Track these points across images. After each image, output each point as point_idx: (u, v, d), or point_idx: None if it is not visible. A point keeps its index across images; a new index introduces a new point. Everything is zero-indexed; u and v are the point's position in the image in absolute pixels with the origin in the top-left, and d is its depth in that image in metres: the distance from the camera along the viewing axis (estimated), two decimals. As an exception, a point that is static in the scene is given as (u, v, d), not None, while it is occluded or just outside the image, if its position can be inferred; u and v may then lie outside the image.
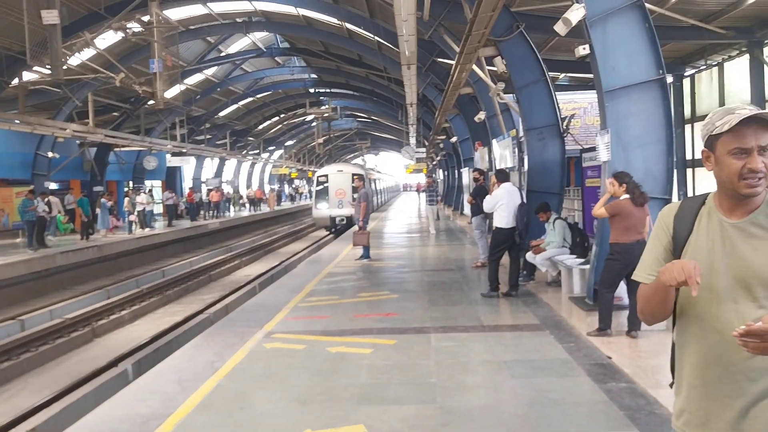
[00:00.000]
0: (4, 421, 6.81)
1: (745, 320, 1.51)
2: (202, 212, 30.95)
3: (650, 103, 6.62)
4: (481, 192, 10.59)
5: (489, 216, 9.19)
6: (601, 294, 5.99)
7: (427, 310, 7.45)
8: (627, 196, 5.77)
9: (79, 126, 19.95)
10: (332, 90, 35.61)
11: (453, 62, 12.18)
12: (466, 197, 15.07)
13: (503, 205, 7.94)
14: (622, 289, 6.29)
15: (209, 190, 33.63)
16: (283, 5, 19.59)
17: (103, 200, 20.82)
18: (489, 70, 12.30)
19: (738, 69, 13.31)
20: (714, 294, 1.61)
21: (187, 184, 36.59)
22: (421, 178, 39.66)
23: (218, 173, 41.22)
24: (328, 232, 26.66)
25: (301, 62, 30.30)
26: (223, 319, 7.84)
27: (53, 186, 23.20)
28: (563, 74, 17.56)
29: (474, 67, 11.68)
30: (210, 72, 27.56)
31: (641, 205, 5.73)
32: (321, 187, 26.15)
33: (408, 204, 42.41)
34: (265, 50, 26.71)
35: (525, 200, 8.47)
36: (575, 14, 6.71)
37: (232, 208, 37.51)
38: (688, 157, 15.51)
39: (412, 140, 31.86)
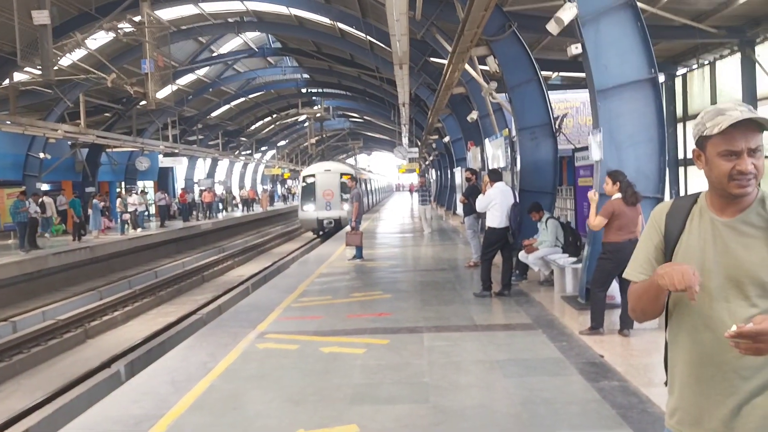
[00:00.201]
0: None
1: (737, 319, 1.52)
2: (194, 213, 30.83)
3: (642, 102, 6.65)
4: (473, 192, 10.61)
5: (481, 216, 9.22)
6: (593, 293, 6.01)
7: (419, 309, 7.46)
8: (619, 195, 5.79)
9: (70, 127, 19.83)
10: (324, 90, 35.57)
11: (445, 62, 12.19)
12: (459, 197, 15.10)
13: (496, 204, 7.96)
14: (614, 288, 6.32)
15: (201, 191, 33.51)
16: (274, 5, 19.53)
17: (95, 201, 20.71)
18: (481, 69, 12.32)
19: (730, 68, 13.39)
20: (706, 293, 1.61)
21: (179, 184, 36.45)
22: (414, 178, 39.63)
23: (210, 174, 41.08)
24: (315, 235, 25.49)
25: (293, 62, 30.24)
26: (216, 319, 7.81)
27: (45, 187, 23.04)
28: (556, 73, 17.62)
29: (466, 66, 11.69)
30: (202, 72, 27.47)
31: (633, 205, 5.75)
32: (307, 187, 24.73)
33: (401, 204, 42.42)
34: (257, 50, 26.64)
35: (518, 200, 8.49)
36: (567, 13, 6.73)
37: (224, 208, 37.39)
38: (680, 155, 15.59)
39: (405, 140, 31.86)
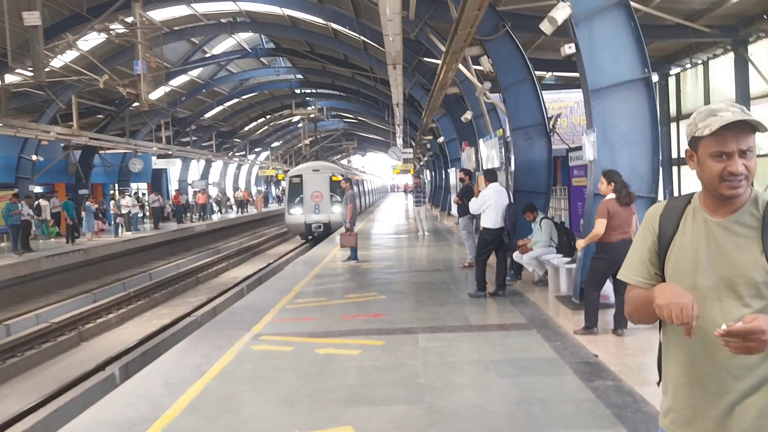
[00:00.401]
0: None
1: (729, 319, 1.52)
2: (188, 214, 30.72)
3: (636, 102, 6.67)
4: (467, 192, 10.61)
5: (476, 216, 9.21)
6: (587, 293, 6.02)
7: (414, 310, 7.45)
8: (613, 195, 5.80)
9: (63, 129, 19.72)
10: (318, 90, 35.53)
11: (439, 62, 12.20)
12: (453, 198, 15.10)
13: (491, 205, 7.96)
14: (608, 287, 6.32)
15: (195, 192, 33.41)
16: (267, 5, 19.50)
17: (88, 203, 20.61)
18: (475, 69, 12.33)
19: (723, 67, 13.45)
20: (699, 293, 1.61)
21: (173, 186, 36.32)
22: (409, 179, 39.64)
23: (204, 175, 40.97)
24: (303, 240, 23.97)
25: (287, 63, 30.20)
26: (211, 321, 7.79)
27: (38, 189, 22.91)
28: (550, 73, 17.66)
29: (460, 66, 11.70)
30: (195, 73, 27.38)
31: (627, 205, 5.76)
32: (294, 188, 23.06)
33: (395, 205, 42.41)
34: (250, 51, 26.59)
35: (512, 200, 8.49)
36: (561, 13, 6.75)
37: (219, 210, 37.29)
38: (674, 155, 15.66)
39: (399, 141, 31.84)
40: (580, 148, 7.95)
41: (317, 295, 8.81)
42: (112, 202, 23.27)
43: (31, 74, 13.02)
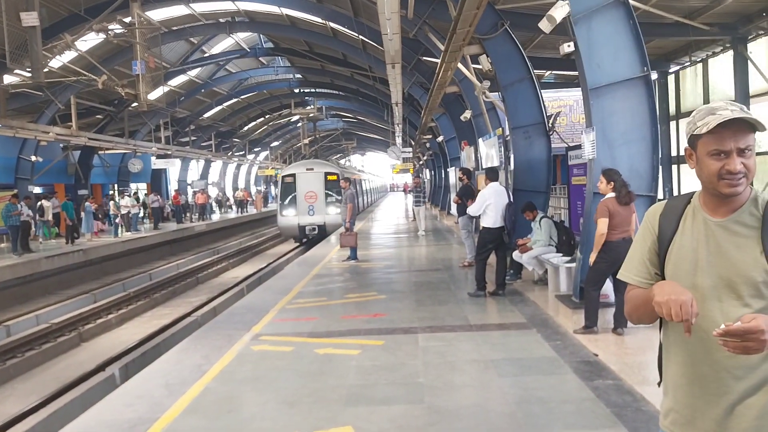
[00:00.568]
0: (-10, 428, 6.72)
1: (729, 319, 1.51)
2: (188, 214, 30.71)
3: (635, 101, 6.66)
4: (467, 192, 10.60)
5: (475, 216, 9.19)
6: (587, 292, 6.02)
7: (414, 310, 7.45)
8: (613, 194, 5.79)
9: (62, 129, 19.70)
10: (317, 90, 35.51)
11: (438, 61, 12.19)
12: (453, 197, 15.07)
13: (491, 204, 7.95)
14: (608, 286, 6.32)
15: (195, 192, 33.40)
16: (266, 5, 19.49)
17: (87, 204, 20.60)
18: (474, 68, 12.33)
19: (722, 65, 13.45)
20: (699, 293, 1.61)
21: (172, 186, 36.31)
22: (408, 178, 39.60)
23: (204, 175, 40.95)
24: (297, 244, 22.72)
25: (286, 62, 30.18)
26: (211, 321, 7.78)
27: (37, 190, 22.90)
28: (549, 72, 17.66)
29: (459, 65, 11.69)
30: (194, 73, 27.36)
31: (626, 204, 5.75)
32: (287, 189, 21.77)
33: (395, 205, 42.40)
34: (248, 50, 26.57)
35: (512, 199, 8.49)
36: (560, 12, 6.74)
37: (218, 209, 37.29)
38: (674, 153, 15.65)
39: (398, 140, 31.84)
40: (579, 147, 7.95)
41: (317, 295, 8.80)
42: (111, 203, 23.25)
43: (29, 75, 12.99)
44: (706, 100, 13.97)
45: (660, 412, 1.79)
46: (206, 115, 34.30)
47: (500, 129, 12.32)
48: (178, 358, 5.81)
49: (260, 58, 28.80)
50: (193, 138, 34.34)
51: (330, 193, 21.75)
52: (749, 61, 12.29)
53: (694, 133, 1.63)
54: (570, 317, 6.59)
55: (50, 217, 20.13)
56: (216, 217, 33.77)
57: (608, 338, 5.77)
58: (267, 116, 41.78)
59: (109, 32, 14.03)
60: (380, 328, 6.55)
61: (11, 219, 16.27)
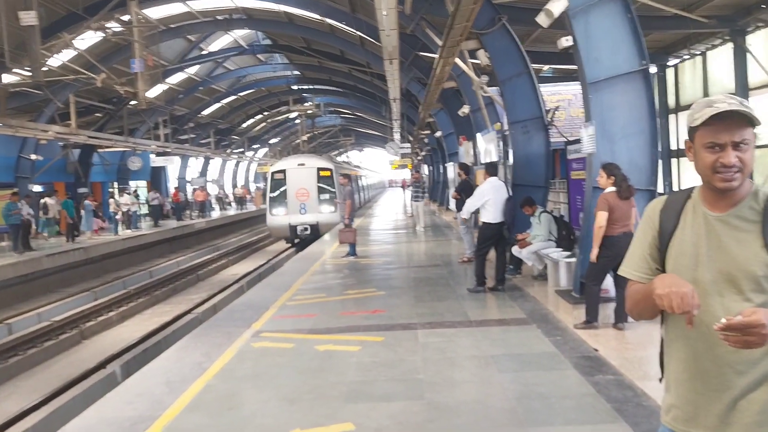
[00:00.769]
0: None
1: (730, 314, 1.51)
2: (188, 212, 30.71)
3: (634, 94, 6.66)
4: (465, 187, 10.60)
5: (475, 211, 9.18)
6: (587, 287, 6.01)
7: (413, 306, 7.45)
8: (613, 188, 5.78)
9: (61, 128, 19.67)
10: (315, 87, 35.46)
11: (436, 56, 12.16)
12: (452, 192, 15.05)
13: (489, 200, 7.94)
14: (608, 281, 6.32)
15: (194, 190, 33.39)
16: (263, 1, 19.44)
17: (86, 202, 20.61)
18: (472, 63, 12.30)
19: (721, 58, 13.42)
20: (700, 288, 1.60)
21: (172, 183, 36.31)
22: (406, 174, 39.47)
23: (203, 172, 40.94)
24: (288, 245, 21.33)
25: (284, 59, 30.11)
26: (211, 319, 7.79)
27: (37, 188, 22.90)
28: (547, 66, 17.62)
29: (457, 60, 11.66)
30: (192, 71, 27.31)
31: (626, 199, 5.74)
32: (277, 186, 20.41)
33: (393, 200, 42.37)
34: (246, 48, 26.50)
35: (511, 194, 8.48)
36: (557, 6, 6.72)
37: (218, 207, 37.29)
38: (673, 147, 15.63)
39: (396, 136, 31.78)
40: (578, 141, 7.94)
41: (316, 291, 8.81)
42: (111, 200, 23.25)
43: (28, 74, 12.99)
44: (706, 94, 13.94)
45: (661, 407, 1.79)
46: (205, 112, 34.26)
47: (498, 124, 12.31)
48: (178, 356, 5.82)
49: (258, 56, 28.73)
50: (192, 135, 34.31)
51: (323, 190, 20.52)
52: (748, 54, 12.26)
53: (691, 125, 1.64)
54: (570, 312, 6.59)
55: (56, 214, 20.10)
56: (215, 214, 33.77)
57: (609, 333, 5.77)
58: (265, 113, 41.72)
59: (108, 30, 14.02)
60: (380, 325, 6.55)
61: (11, 218, 16.27)
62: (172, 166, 33.56)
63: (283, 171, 20.61)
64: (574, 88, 13.28)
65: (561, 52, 7.87)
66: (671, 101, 15.80)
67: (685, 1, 11.70)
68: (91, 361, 9.11)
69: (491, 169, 8.42)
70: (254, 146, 48.21)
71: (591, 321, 5.91)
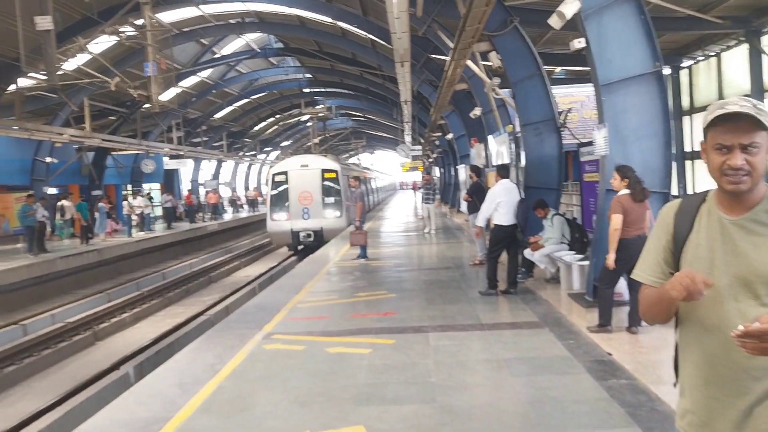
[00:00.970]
0: (8, 425, 6.83)
1: (746, 319, 1.49)
2: (200, 214, 30.93)
3: (647, 96, 6.60)
4: (477, 189, 10.56)
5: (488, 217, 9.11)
6: (600, 290, 5.96)
7: (425, 309, 7.43)
8: (627, 191, 5.73)
9: (76, 131, 19.93)
10: (327, 89, 35.60)
11: (447, 58, 12.15)
12: (463, 195, 14.98)
13: (501, 202, 7.90)
14: (622, 284, 6.27)
15: (207, 192, 33.63)
16: (275, 5, 19.55)
17: (100, 204, 20.83)
18: (484, 65, 12.28)
19: (736, 59, 13.27)
20: (715, 292, 1.58)
21: (185, 186, 36.60)
22: (417, 176, 39.41)
23: (216, 175, 41.23)
24: (291, 252, 19.99)
25: (296, 62, 30.27)
26: (224, 320, 7.82)
27: (52, 191, 23.18)
28: (560, 68, 17.52)
29: (469, 62, 11.65)
30: (205, 74, 27.52)
31: (641, 201, 5.68)
32: (278, 189, 19.09)
33: (404, 203, 42.34)
34: (259, 51, 26.67)
35: (523, 196, 8.43)
36: (570, 7, 6.69)
37: (231, 209, 37.54)
38: (687, 149, 15.47)
39: (408, 138, 31.80)
40: (591, 143, 7.88)
41: (328, 293, 8.82)
42: (125, 203, 23.48)
43: (44, 78, 13.17)
44: (720, 95, 13.80)
45: (676, 412, 1.77)
46: (217, 115, 34.51)
47: (510, 126, 12.27)
48: (191, 357, 5.85)
49: (270, 59, 28.91)
50: (204, 138, 34.56)
51: (328, 192, 19.28)
52: (764, 55, 12.11)
53: (703, 126, 1.64)
54: (583, 316, 6.54)
55: (73, 216, 20.31)
56: (228, 216, 33.98)
57: (622, 337, 5.71)
58: (277, 116, 41.93)
59: (121, 35, 14.16)
60: (391, 327, 6.54)
61: (27, 219, 16.49)
62: (185, 168, 33.88)
63: (284, 173, 19.34)
64: (586, 90, 13.19)
65: (573, 54, 7.82)
66: (685, 103, 15.65)
67: (699, 2, 11.59)
68: (105, 363, 9.19)
69: (503, 171, 8.38)
70: (266, 149, 48.45)
71: (604, 324, 5.86)
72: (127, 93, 15.33)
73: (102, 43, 17.72)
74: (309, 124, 36.05)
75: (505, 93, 12.47)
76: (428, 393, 4.51)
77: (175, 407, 4.46)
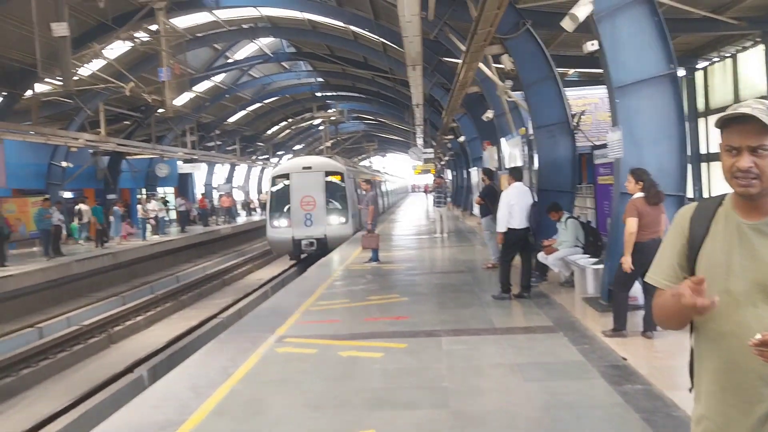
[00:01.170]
0: (24, 427, 6.90)
1: (764, 324, 1.47)
2: (214, 217, 31.16)
3: (661, 99, 6.53)
4: (489, 192, 10.52)
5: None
6: (615, 294, 5.91)
7: (437, 312, 7.40)
8: (641, 194, 5.67)
9: (91, 135, 20.19)
10: (339, 93, 35.72)
11: (459, 61, 12.13)
12: (475, 198, 14.93)
13: (514, 205, 7.86)
14: (637, 288, 6.20)
15: (220, 196, 33.88)
16: (288, 10, 19.66)
17: (115, 208, 21.07)
18: (496, 68, 12.24)
19: (753, 60, 13.11)
20: (732, 298, 1.56)
21: (198, 190, 36.90)
22: (430, 179, 39.38)
23: (229, 179, 41.52)
24: (293, 261, 18.63)
25: (308, 66, 30.41)
26: (236, 324, 7.86)
27: (68, 195, 23.48)
28: (573, 70, 17.42)
29: (481, 65, 11.61)
30: (218, 79, 27.75)
31: (656, 204, 5.62)
32: (279, 193, 17.73)
33: (416, 205, 42.29)
34: (271, 55, 26.82)
35: (536, 199, 8.38)
36: (583, 10, 6.66)
37: (245, 212, 37.79)
38: (703, 151, 15.29)
39: (419, 141, 31.78)
40: (605, 146, 7.82)
41: (340, 296, 8.82)
42: (139, 207, 23.73)
43: (60, 83, 13.35)
44: (736, 96, 13.63)
45: (692, 418, 1.75)
46: (231, 119, 34.76)
47: (523, 129, 12.21)
48: (204, 360, 5.88)
49: (283, 63, 29.08)
50: (218, 142, 34.84)
51: (333, 197, 17.92)
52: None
53: (715, 127, 1.64)
54: (597, 320, 6.48)
55: (90, 219, 20.54)
56: (241, 219, 34.19)
57: (637, 342, 5.65)
58: (290, 120, 42.13)
59: (136, 40, 14.34)
60: (403, 331, 6.52)
61: (43, 223, 16.70)
62: (198, 172, 34.15)
63: (285, 175, 17.89)
64: (600, 92, 13.09)
65: (586, 56, 7.78)
66: (701, 105, 15.47)
67: (714, 3, 11.46)
68: (119, 365, 9.26)
69: (516, 174, 8.33)
70: (279, 152, 48.68)
71: (619, 329, 5.80)
72: (142, 98, 15.52)
73: (117, 49, 17.95)
74: (321, 127, 36.21)
75: (517, 95, 12.42)
76: (441, 398, 4.49)
77: (189, 410, 4.48)
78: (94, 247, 19.38)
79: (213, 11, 19.55)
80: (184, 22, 19.27)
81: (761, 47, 12.50)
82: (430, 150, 32.64)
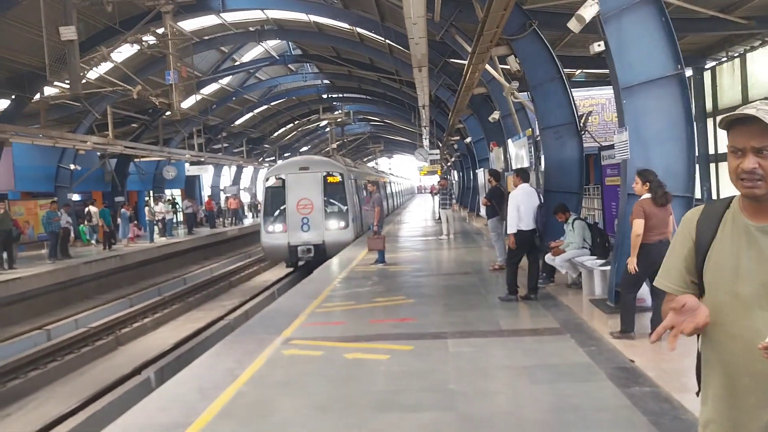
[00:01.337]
0: (32, 429, 6.95)
1: None
2: (221, 219, 31.26)
3: (669, 99, 6.50)
4: (496, 194, 10.49)
5: (506, 218, 9.07)
6: (623, 296, 5.87)
7: (444, 314, 7.38)
8: (648, 195, 5.64)
9: (99, 138, 20.31)
10: (345, 95, 35.78)
11: (465, 62, 12.11)
12: (482, 199, 14.89)
13: (522, 207, 7.84)
14: (644, 290, 6.16)
15: (227, 198, 34.00)
16: (294, 12, 19.71)
17: (123, 210, 21.18)
18: (502, 69, 12.21)
19: (761, 60, 13.02)
20: (740, 301, 1.55)
21: (206, 192, 37.05)
22: (436, 180, 39.35)
23: (236, 181, 41.65)
24: (290, 269, 17.70)
25: (314, 68, 30.47)
26: (243, 326, 7.88)
27: (76, 197, 23.63)
28: (579, 71, 17.37)
29: (487, 66, 11.59)
30: (225, 81, 27.86)
31: (663, 206, 5.58)
32: (274, 196, 16.70)
33: (422, 207, 42.26)
34: (278, 58, 26.90)
35: (543, 200, 8.35)
36: (589, 11, 6.64)
37: (252, 214, 37.89)
38: (711, 152, 15.19)
39: (426, 142, 31.77)
40: (612, 147, 7.78)
41: (346, 298, 8.82)
42: (146, 209, 23.85)
43: (68, 87, 13.43)
44: (745, 96, 13.54)
45: (699, 421, 1.74)
46: (237, 122, 34.89)
47: (530, 129, 12.17)
48: (211, 362, 5.89)
49: (289, 65, 29.14)
50: (225, 145, 34.95)
51: (331, 200, 16.96)
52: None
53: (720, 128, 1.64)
54: (605, 322, 6.44)
55: (98, 221, 20.65)
56: (248, 221, 34.28)
57: (645, 344, 5.60)
58: (296, 122, 42.24)
59: (143, 43, 14.41)
60: (409, 333, 6.51)
61: (51, 225, 16.82)
62: (205, 174, 34.29)
63: (281, 178, 16.80)
64: (607, 92, 13.06)
65: (593, 56, 7.74)
66: (709, 105, 15.37)
67: (722, 3, 11.39)
68: (127, 367, 9.30)
69: (523, 175, 8.30)
70: (285, 154, 48.77)
71: (627, 331, 5.76)
72: (149, 101, 15.58)
73: (124, 52, 18.02)
74: (327, 129, 36.25)
75: (524, 96, 12.39)
76: (447, 400, 4.47)
77: (195, 412, 4.49)
78: (101, 249, 19.49)
79: (220, 14, 19.62)
80: (191, 25, 19.37)
81: (770, 47, 12.42)
82: (437, 151, 32.61)
